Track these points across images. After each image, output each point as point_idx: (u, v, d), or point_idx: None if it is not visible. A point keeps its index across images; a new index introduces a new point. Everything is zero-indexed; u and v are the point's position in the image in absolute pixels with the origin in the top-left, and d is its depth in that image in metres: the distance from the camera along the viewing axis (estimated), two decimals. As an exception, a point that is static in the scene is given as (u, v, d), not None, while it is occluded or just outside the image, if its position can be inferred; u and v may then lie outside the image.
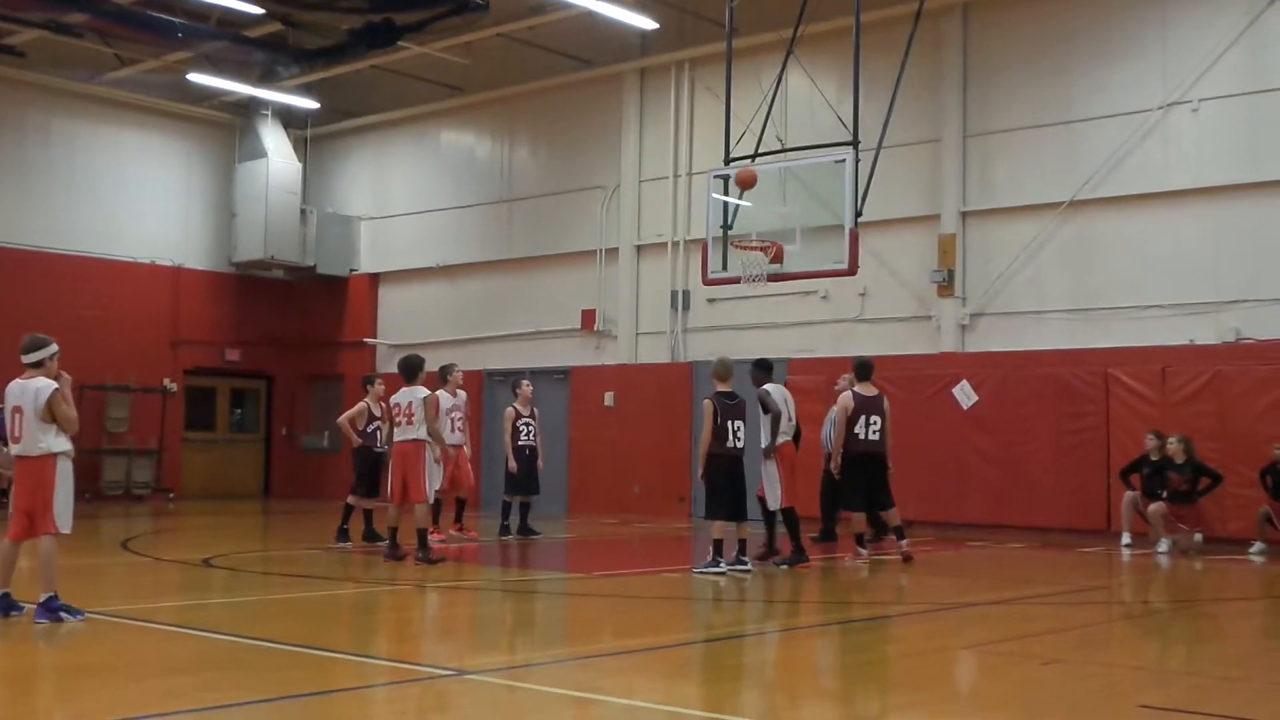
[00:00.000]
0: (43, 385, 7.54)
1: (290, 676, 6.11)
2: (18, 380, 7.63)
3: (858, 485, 12.21)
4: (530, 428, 14.40)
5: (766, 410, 11.35)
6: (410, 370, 11.77)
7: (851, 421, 12.14)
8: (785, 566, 11.40)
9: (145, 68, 21.07)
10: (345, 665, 6.46)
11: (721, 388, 11.11)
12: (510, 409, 14.60)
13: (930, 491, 16.02)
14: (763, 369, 11.81)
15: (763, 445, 11.43)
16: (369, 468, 13.34)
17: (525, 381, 14.82)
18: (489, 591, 10.20)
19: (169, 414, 21.99)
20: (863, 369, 12.51)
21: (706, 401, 11.02)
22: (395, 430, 11.59)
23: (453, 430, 13.59)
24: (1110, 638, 8.32)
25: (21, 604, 7.67)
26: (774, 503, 11.52)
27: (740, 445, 10.97)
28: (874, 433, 12.18)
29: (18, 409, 7.55)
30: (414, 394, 11.57)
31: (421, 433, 11.49)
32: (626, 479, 19.24)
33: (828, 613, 9.28)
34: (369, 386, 13.75)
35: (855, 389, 12.31)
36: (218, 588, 10.07)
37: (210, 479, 22.86)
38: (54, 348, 7.71)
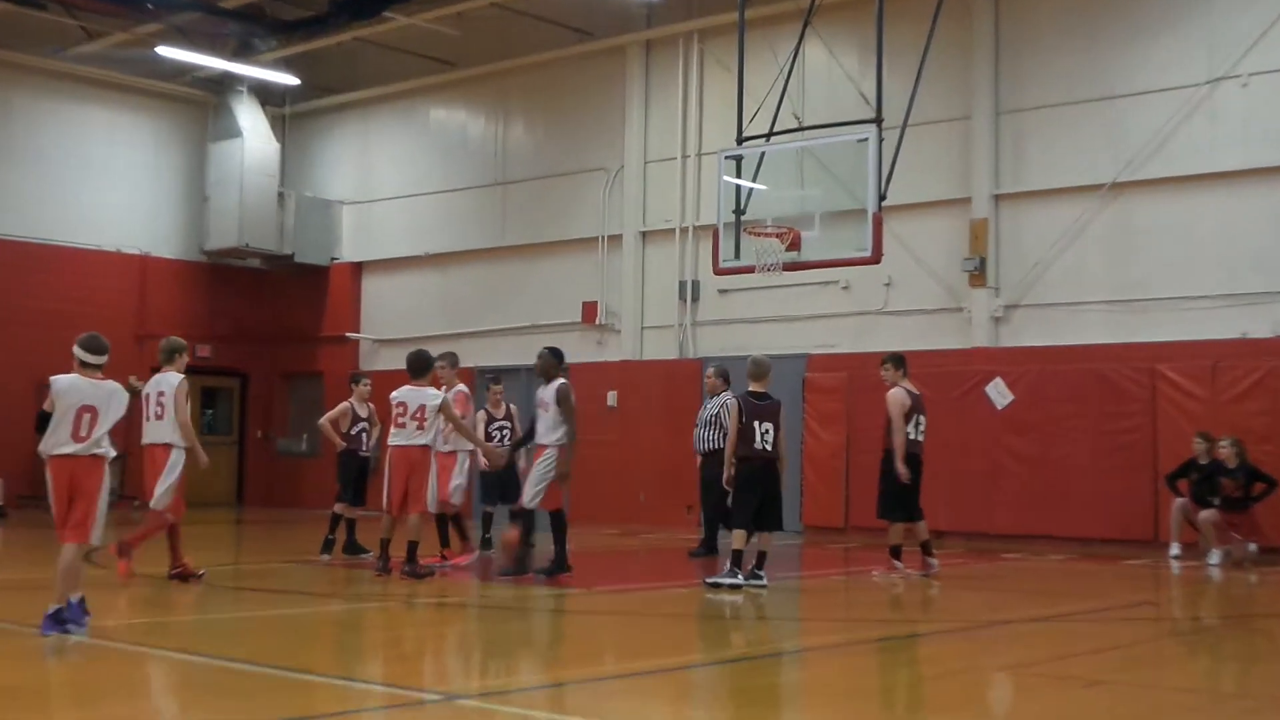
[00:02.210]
0: (118, 391, 8.06)
1: (267, 701, 6.08)
2: (80, 378, 7.93)
3: (906, 490, 12.11)
4: (505, 431, 14.07)
5: (561, 404, 11.21)
6: (422, 366, 11.59)
7: (905, 420, 12.05)
8: (544, 575, 11.26)
9: (112, 41, 21.09)
10: (326, 689, 6.44)
11: (754, 387, 11.14)
12: (481, 411, 14.32)
13: (960, 499, 16.01)
14: (557, 357, 11.62)
15: (543, 440, 11.26)
16: (355, 473, 13.27)
17: (497, 385, 14.51)
18: (482, 608, 10.18)
19: (134, 415, 21.86)
20: (904, 363, 12.45)
21: (731, 400, 11.09)
22: (397, 432, 11.42)
23: (445, 439, 13.40)
24: (1157, 657, 8.28)
25: (83, 620, 7.78)
26: (529, 498, 11.31)
27: (770, 448, 10.99)
28: (921, 433, 12.17)
29: (89, 408, 7.86)
30: (424, 395, 11.41)
31: (428, 438, 11.40)
32: (631, 486, 19.24)
33: (852, 631, 9.26)
34: (355, 385, 13.69)
35: (903, 384, 12.24)
36: (187, 604, 10.04)
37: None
38: (108, 353, 8.20)
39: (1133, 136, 15.94)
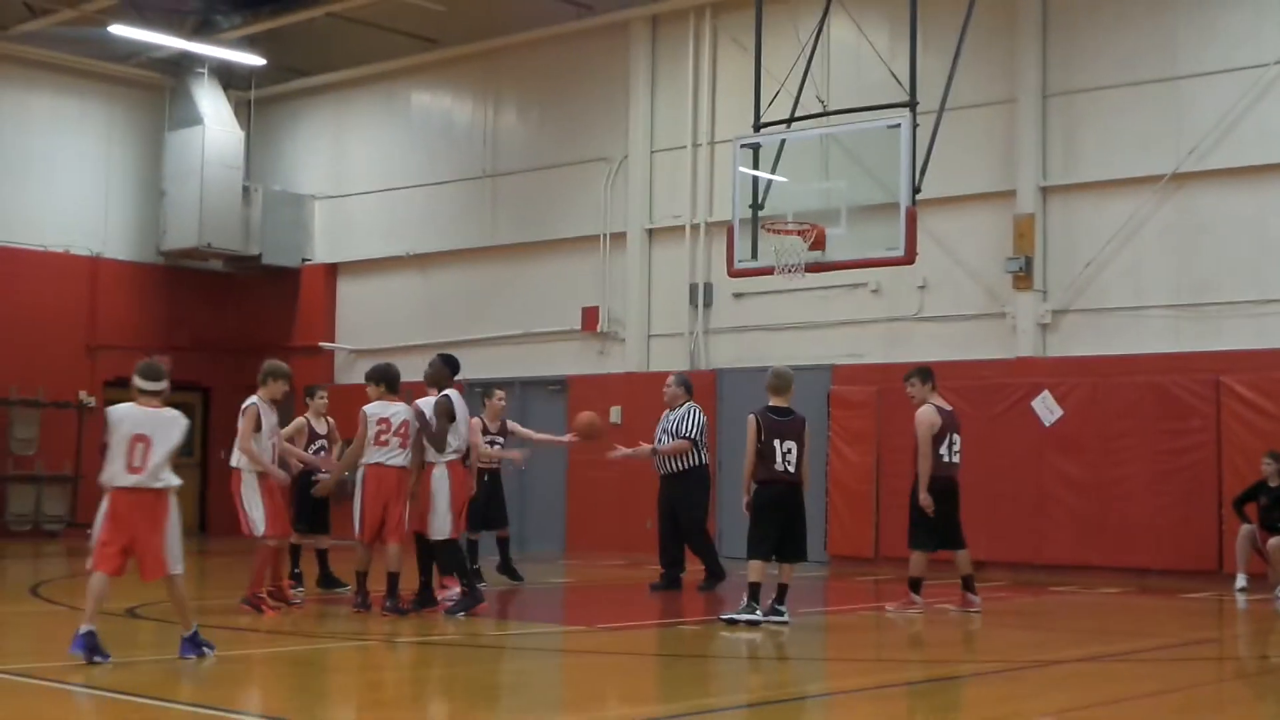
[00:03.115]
0: (177, 418, 8.64)
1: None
2: (136, 407, 8.56)
3: (934, 518, 12.15)
4: (498, 448, 14.11)
5: (451, 418, 11.29)
6: (395, 380, 11.76)
7: (935, 441, 12.10)
8: (462, 614, 11.26)
9: (60, 19, 21.09)
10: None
11: (775, 401, 11.19)
12: (475, 420, 14.18)
13: (1004, 527, 16.03)
14: (449, 365, 11.69)
15: (435, 457, 11.33)
16: (315, 498, 13.12)
17: (499, 392, 14.63)
18: (471, 648, 10.19)
19: (86, 433, 21.89)
20: (932, 376, 12.51)
21: (750, 417, 11.10)
22: (376, 451, 11.49)
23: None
24: (1221, 701, 8.30)
25: (107, 652, 8.24)
26: (439, 529, 11.30)
27: (793, 470, 11.03)
28: (955, 454, 12.20)
29: (142, 437, 8.41)
30: (404, 409, 11.54)
31: (406, 458, 11.46)
32: (637, 512, 18.90)
33: (883, 673, 9.28)
34: (310, 399, 13.69)
35: (933, 401, 12.30)
36: (145, 643, 10.04)
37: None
38: (168, 379, 8.83)
39: (1198, 122, 15.92)
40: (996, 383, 16.49)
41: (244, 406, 11.48)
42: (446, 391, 11.48)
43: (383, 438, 11.47)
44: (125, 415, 8.50)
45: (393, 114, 23.02)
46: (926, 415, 12.16)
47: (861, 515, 17.12)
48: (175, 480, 8.52)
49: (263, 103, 24.10)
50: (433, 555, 11.56)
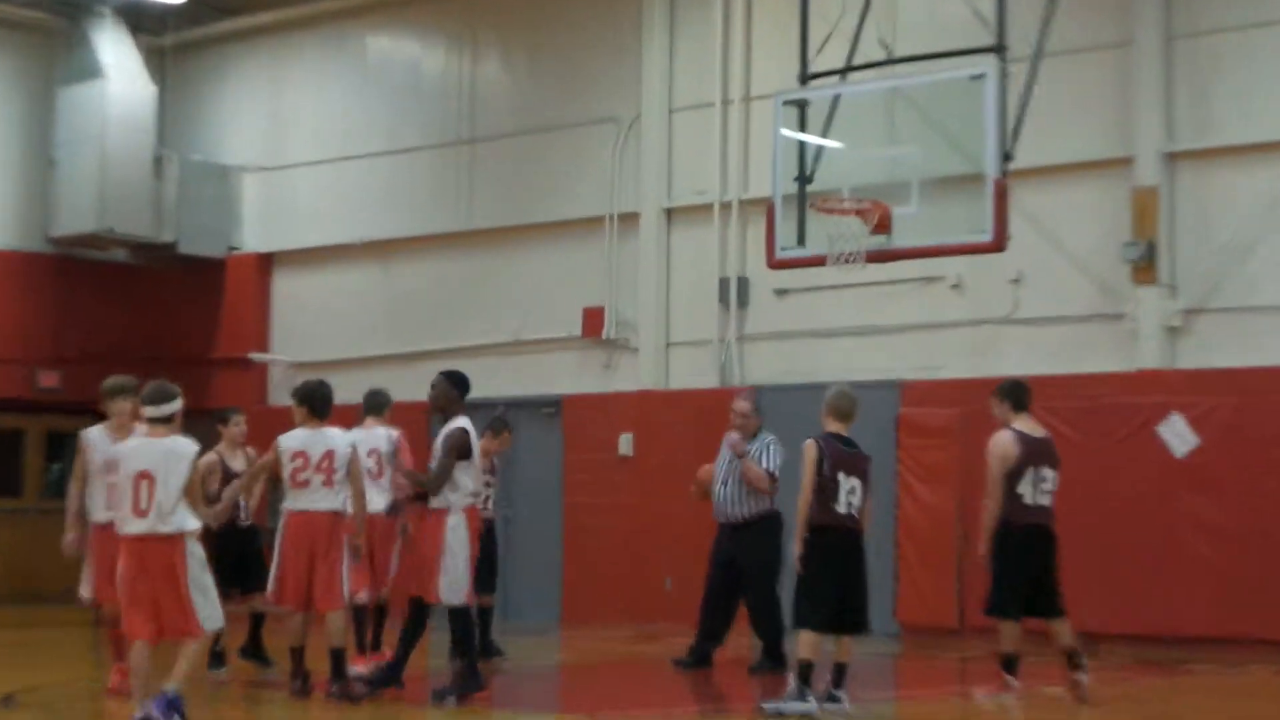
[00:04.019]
0: (184, 448, 9.36)
1: None
2: (140, 439, 9.46)
3: (1018, 577, 12.13)
4: (489, 491, 14.24)
5: (465, 455, 11.69)
6: (323, 402, 11.87)
7: (1013, 477, 12.09)
8: (454, 700, 11.58)
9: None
10: None
11: (836, 428, 11.30)
12: None
13: (1123, 587, 15.87)
14: (460, 387, 12.13)
15: (437, 503, 11.67)
16: (235, 553, 13.24)
17: (501, 423, 14.73)
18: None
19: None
20: (1019, 394, 12.49)
21: (809, 443, 11.21)
22: (294, 494, 11.66)
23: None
24: None
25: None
26: (455, 594, 11.63)
27: (857, 515, 11.17)
28: (1044, 495, 12.17)
29: (145, 474, 9.11)
30: (328, 439, 11.62)
31: (340, 501, 11.62)
32: (652, 568, 19.10)
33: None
34: (224, 426, 13.76)
35: (1015, 425, 12.30)
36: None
37: (13, 569, 22.75)
38: (181, 399, 9.56)
39: (1366, 69, 15.98)
40: (1112, 403, 16.30)
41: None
42: (459, 422, 11.79)
43: (300, 476, 11.58)
44: (125, 451, 9.31)
45: (345, 64, 22.98)
46: (999, 444, 12.19)
47: (941, 574, 16.99)
48: (192, 523, 9.20)
49: (180, 50, 24.04)
50: (420, 624, 11.77)
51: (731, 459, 14.16)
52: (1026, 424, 12.33)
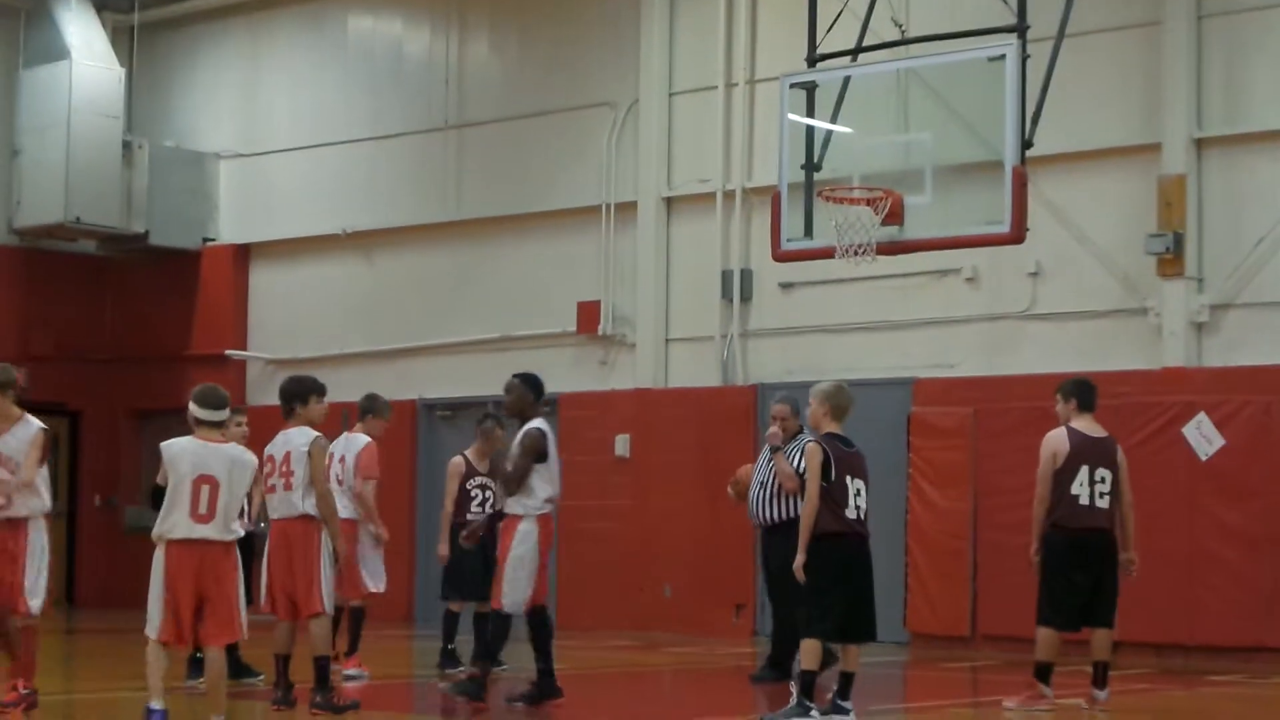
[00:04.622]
0: (248, 457, 9.68)
1: None
2: (194, 441, 9.47)
3: (1068, 586, 12.12)
4: (486, 493, 14.35)
5: (541, 458, 11.89)
6: (284, 400, 11.78)
7: (1064, 475, 12.04)
8: (463, 699, 11.94)
9: None
10: None
11: (834, 427, 11.30)
12: (458, 459, 14.61)
13: (1146, 595, 15.36)
14: (533, 388, 12.26)
15: (513, 509, 11.96)
16: None
17: (493, 421, 14.71)
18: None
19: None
20: (1084, 392, 12.42)
21: (811, 445, 11.17)
22: (271, 500, 11.65)
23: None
24: None
25: None
26: (513, 601, 11.88)
27: (864, 518, 11.16)
28: (1102, 497, 12.09)
29: (207, 478, 9.30)
30: (292, 440, 11.45)
31: (310, 505, 11.47)
32: (651, 575, 19.28)
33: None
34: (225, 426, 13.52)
35: (1073, 424, 12.25)
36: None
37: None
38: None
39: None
40: (1135, 402, 16.24)
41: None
42: (536, 423, 12.01)
43: (269, 481, 11.56)
44: (182, 452, 9.39)
45: (325, 44, 22.99)
46: (1050, 441, 12.22)
47: (954, 580, 17.12)
48: (239, 531, 9.62)
49: (150, 29, 23.97)
50: (535, 629, 12.19)
51: (770, 458, 14.07)
52: (1086, 423, 12.31)
